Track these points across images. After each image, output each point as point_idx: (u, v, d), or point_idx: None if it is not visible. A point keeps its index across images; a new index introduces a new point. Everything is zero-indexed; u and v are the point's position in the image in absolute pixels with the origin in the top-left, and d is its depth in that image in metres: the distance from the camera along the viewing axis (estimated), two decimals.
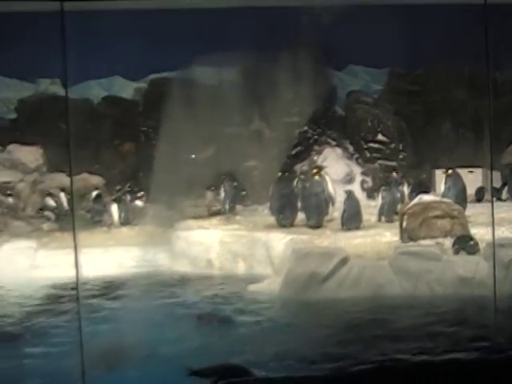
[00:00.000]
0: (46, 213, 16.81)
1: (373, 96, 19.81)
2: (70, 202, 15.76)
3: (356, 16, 12.39)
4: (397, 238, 13.79)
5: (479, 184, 17.58)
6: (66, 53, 8.17)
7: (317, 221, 14.98)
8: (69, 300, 11.45)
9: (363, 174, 18.60)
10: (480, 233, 13.16)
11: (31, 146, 17.74)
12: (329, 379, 7.74)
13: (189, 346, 9.09)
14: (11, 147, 17.71)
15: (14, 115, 18.68)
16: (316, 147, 18.67)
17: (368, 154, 19.07)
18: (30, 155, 17.67)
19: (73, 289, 10.07)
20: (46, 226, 16.59)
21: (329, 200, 15.47)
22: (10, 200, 17.02)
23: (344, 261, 12.26)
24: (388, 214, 15.53)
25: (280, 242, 13.98)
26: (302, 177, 16.94)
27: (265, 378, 7.90)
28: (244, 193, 17.19)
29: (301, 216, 15.37)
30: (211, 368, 7.92)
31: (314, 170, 15.95)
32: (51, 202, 16.91)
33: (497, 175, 16.94)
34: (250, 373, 7.89)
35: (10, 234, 15.99)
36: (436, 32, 16.13)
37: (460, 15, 10.94)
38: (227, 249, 14.59)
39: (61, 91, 14.79)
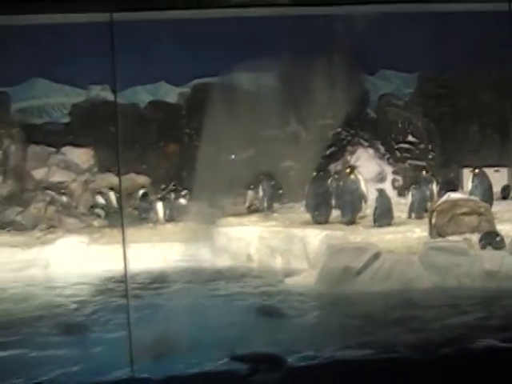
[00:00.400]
0: (97, 210, 16.95)
1: (403, 99, 19.67)
2: (119, 200, 15.90)
3: (387, 23, 12.29)
4: (426, 233, 13.73)
5: (505, 182, 17.41)
6: (114, 61, 8.23)
7: (351, 217, 14.96)
8: (117, 291, 11.53)
9: (394, 173, 18.48)
10: (506, 229, 13.09)
11: (83, 148, 17.88)
12: (363, 363, 7.73)
13: (230, 334, 9.11)
14: (65, 149, 17.88)
15: (67, 119, 18.83)
16: (349, 148, 18.60)
17: (399, 154, 18.95)
18: (82, 157, 17.82)
19: (121, 281, 10.15)
20: (96, 222, 16.71)
21: (361, 197, 15.41)
22: (64, 198, 17.17)
23: (376, 256, 12.20)
24: (418, 211, 15.43)
25: (315, 237, 13.96)
26: (335, 176, 16.89)
27: (301, 367, 7.88)
28: (281, 191, 17.17)
29: (335, 213, 15.32)
30: (251, 355, 7.92)
31: (348, 170, 15.93)
32: (101, 200, 17.04)
33: None
34: (286, 362, 7.88)
35: (64, 230, 16.13)
36: (464, 38, 15.96)
37: (486, 22, 10.84)
38: (265, 244, 14.59)
39: (110, 96, 14.85)
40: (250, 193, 16.66)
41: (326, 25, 13.28)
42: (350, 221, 14.89)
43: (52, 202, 16.95)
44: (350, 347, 8.36)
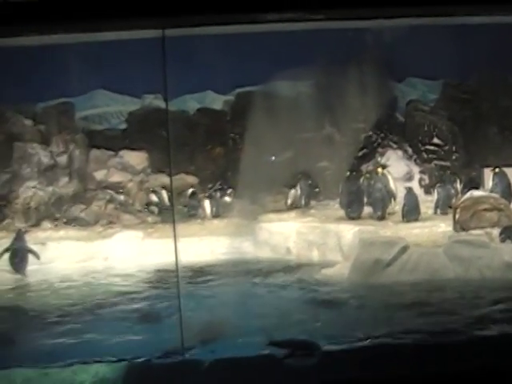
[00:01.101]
0: (151, 208, 17.00)
1: (429, 104, 19.41)
2: (170, 198, 15.92)
3: (414, 35, 12.19)
4: (450, 228, 13.58)
5: None
6: (166, 72, 8.23)
7: (381, 213, 14.85)
8: (170, 282, 11.54)
9: (421, 172, 18.25)
10: None
11: (138, 151, 17.94)
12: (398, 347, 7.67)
13: (271, 321, 9.05)
14: (122, 152, 17.95)
15: (124, 126, 18.90)
16: (380, 150, 18.39)
17: (425, 155, 18.71)
18: (137, 159, 17.87)
19: (172, 272, 10.15)
20: (150, 218, 16.76)
21: (391, 195, 15.33)
22: (122, 197, 17.25)
23: (404, 249, 12.13)
24: (443, 207, 15.28)
25: (349, 232, 13.87)
26: (367, 175, 16.72)
27: (336, 351, 7.79)
28: (317, 190, 17.08)
29: (367, 210, 15.22)
30: (288, 341, 7.86)
31: (379, 169, 15.91)
32: (155, 199, 17.08)
33: None
34: (321, 348, 7.80)
35: (122, 225, 16.22)
36: (485, 47, 15.70)
37: (505, 32, 10.68)
38: (303, 238, 14.53)
39: (162, 105, 14.83)
40: (293, 192, 16.58)
41: (357, 37, 13.19)
42: (381, 216, 14.78)
43: (111, 200, 17.06)
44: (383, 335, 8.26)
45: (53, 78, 16.28)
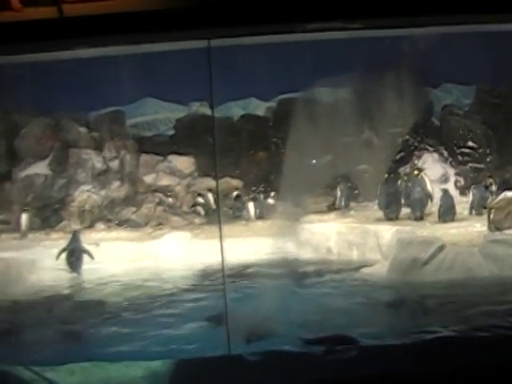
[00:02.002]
0: (198, 209, 17.04)
1: (463, 109, 19.14)
2: (216, 200, 15.95)
3: (447, 42, 12.05)
4: (485, 228, 13.40)
5: None
6: (211, 81, 8.23)
7: (420, 213, 14.76)
8: (216, 280, 11.55)
9: (456, 174, 18.00)
10: None
11: (185, 156, 17.97)
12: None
13: (315, 318, 9.00)
14: (170, 157, 18.01)
15: (172, 132, 18.96)
16: (416, 153, 18.18)
17: (460, 158, 18.45)
18: (184, 163, 17.92)
19: (219, 270, 10.15)
20: (197, 220, 16.78)
21: (428, 196, 15.20)
22: (170, 200, 17.30)
23: (441, 248, 12.01)
24: (478, 208, 15.09)
25: (387, 232, 13.73)
26: (404, 178, 16.60)
27: (374, 346, 7.72)
28: (357, 191, 16.95)
29: (404, 210, 15.09)
30: (323, 338, 7.82)
31: (416, 172, 15.85)
32: (201, 201, 17.11)
33: None
34: (358, 342, 7.74)
35: (170, 227, 16.27)
36: None
37: None
38: (343, 238, 14.43)
39: (208, 111, 14.91)
40: (338, 192, 16.54)
41: (394, 45, 13.07)
42: (419, 217, 14.70)
43: (160, 202, 17.14)
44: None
45: (104, 87, 16.46)
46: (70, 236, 14.42)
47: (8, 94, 15.48)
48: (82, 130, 17.71)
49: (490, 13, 6.95)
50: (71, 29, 6.56)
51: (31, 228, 15.79)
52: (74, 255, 13.91)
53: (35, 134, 17.34)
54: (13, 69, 11.81)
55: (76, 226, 16.01)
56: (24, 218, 15.72)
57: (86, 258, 13.94)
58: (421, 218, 14.67)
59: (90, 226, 16.40)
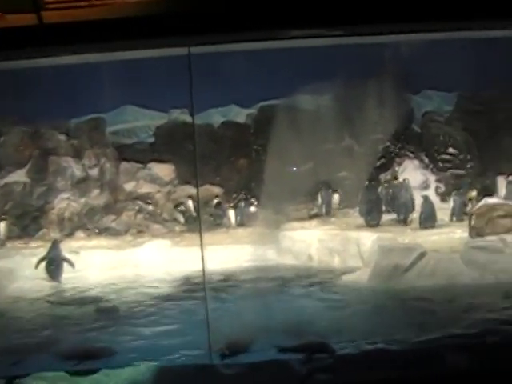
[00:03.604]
0: (178, 217, 17.02)
1: (444, 115, 19.30)
2: (197, 208, 15.95)
3: (429, 49, 12.14)
4: (466, 234, 13.55)
5: None
6: (192, 88, 8.27)
7: (405, 216, 14.99)
8: (197, 288, 11.54)
9: (437, 181, 18.14)
10: None
11: (166, 163, 17.97)
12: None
13: (294, 325, 9.01)
14: (150, 165, 18.00)
15: (152, 139, 18.95)
16: (397, 159, 18.31)
17: (441, 164, 18.59)
18: (164, 171, 17.92)
19: (199, 278, 10.17)
20: (177, 228, 16.78)
21: (412, 200, 15.43)
22: (150, 207, 17.29)
23: (422, 254, 12.11)
24: (458, 214, 15.24)
25: (368, 239, 13.81)
26: (385, 185, 16.74)
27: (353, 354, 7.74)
28: (337, 197, 17.02)
29: (385, 217, 15.22)
30: (299, 345, 7.84)
31: (400, 179, 16.33)
32: (182, 209, 17.10)
33: None
34: (333, 349, 7.76)
35: (151, 234, 16.29)
36: (496, 61, 15.60)
37: None
38: (324, 245, 14.48)
39: (188, 119, 14.93)
40: (319, 200, 16.65)
41: (375, 52, 13.15)
42: (405, 220, 14.93)
43: (140, 210, 17.12)
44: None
45: (84, 95, 16.41)
46: (49, 244, 14.37)
47: None
48: (62, 137, 17.65)
49: (471, 19, 7.05)
50: (51, 36, 6.58)
51: (9, 237, 15.70)
52: (54, 264, 13.88)
53: (14, 142, 17.27)
54: None
55: (55, 235, 15.97)
56: (2, 226, 15.63)
57: (66, 266, 13.89)
58: (406, 222, 14.90)
59: (70, 235, 16.34)
